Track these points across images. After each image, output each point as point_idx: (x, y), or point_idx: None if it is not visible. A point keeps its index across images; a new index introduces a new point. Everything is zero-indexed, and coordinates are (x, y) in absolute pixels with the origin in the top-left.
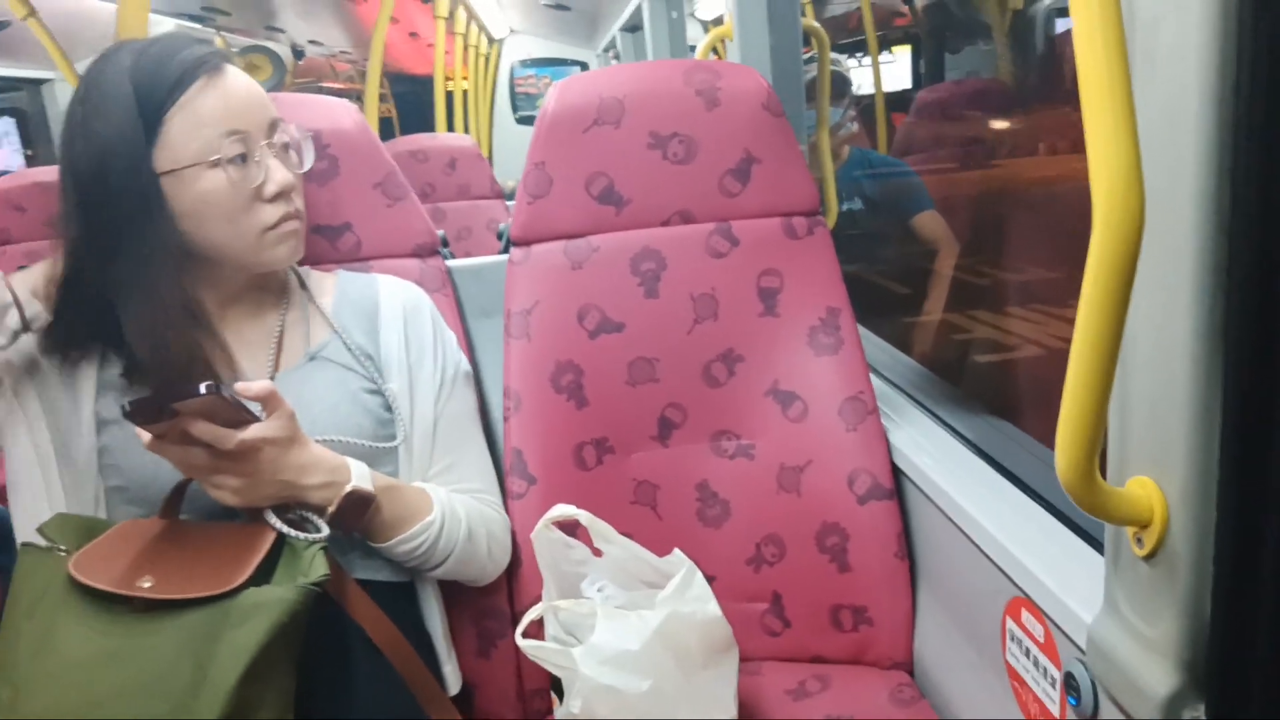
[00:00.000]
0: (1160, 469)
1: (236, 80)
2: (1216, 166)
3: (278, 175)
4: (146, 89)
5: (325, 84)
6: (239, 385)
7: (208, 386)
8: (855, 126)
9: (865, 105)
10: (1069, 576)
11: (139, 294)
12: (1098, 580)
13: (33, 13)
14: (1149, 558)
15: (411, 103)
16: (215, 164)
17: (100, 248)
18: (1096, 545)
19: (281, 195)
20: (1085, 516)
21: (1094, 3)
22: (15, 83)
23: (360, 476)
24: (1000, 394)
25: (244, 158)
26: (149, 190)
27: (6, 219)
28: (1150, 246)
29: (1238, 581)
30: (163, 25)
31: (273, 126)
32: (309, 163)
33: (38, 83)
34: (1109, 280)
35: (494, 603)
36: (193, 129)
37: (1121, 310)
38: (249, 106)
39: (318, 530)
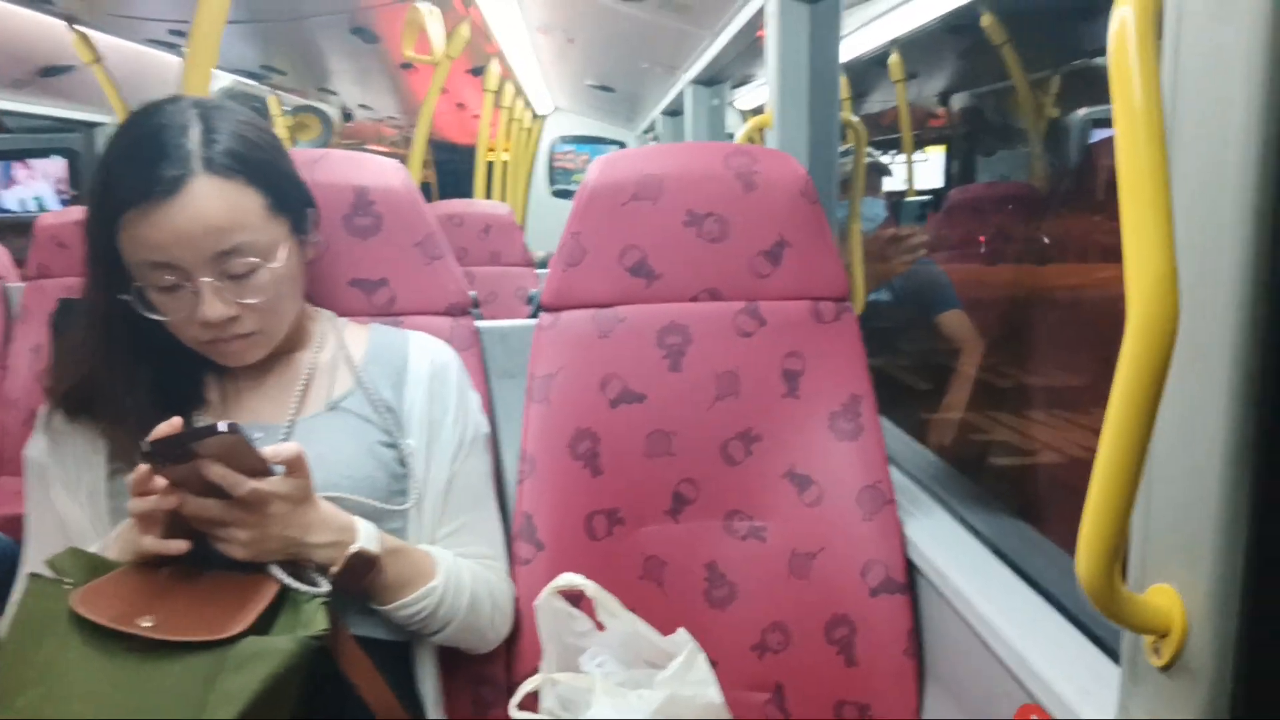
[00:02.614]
0: (1182, 578)
1: (187, 209)
2: (1253, 275)
3: (209, 311)
4: (117, 177)
5: (369, 146)
6: (269, 450)
7: (229, 426)
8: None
9: (896, 202)
10: (1083, 684)
11: (106, 334)
12: (1112, 690)
13: (98, 59)
14: (1166, 668)
15: (451, 170)
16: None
17: (88, 293)
18: (1111, 654)
19: (211, 327)
20: (1101, 624)
21: (1138, 105)
22: (71, 124)
23: (367, 538)
24: (1019, 496)
25: (177, 287)
26: (113, 255)
27: (49, 254)
28: (1182, 350)
29: (1258, 697)
30: (220, 81)
31: (222, 257)
32: (266, 293)
33: (92, 125)
34: (1140, 382)
35: (490, 670)
36: (130, 246)
37: (1151, 413)
38: (190, 239)
39: (320, 585)
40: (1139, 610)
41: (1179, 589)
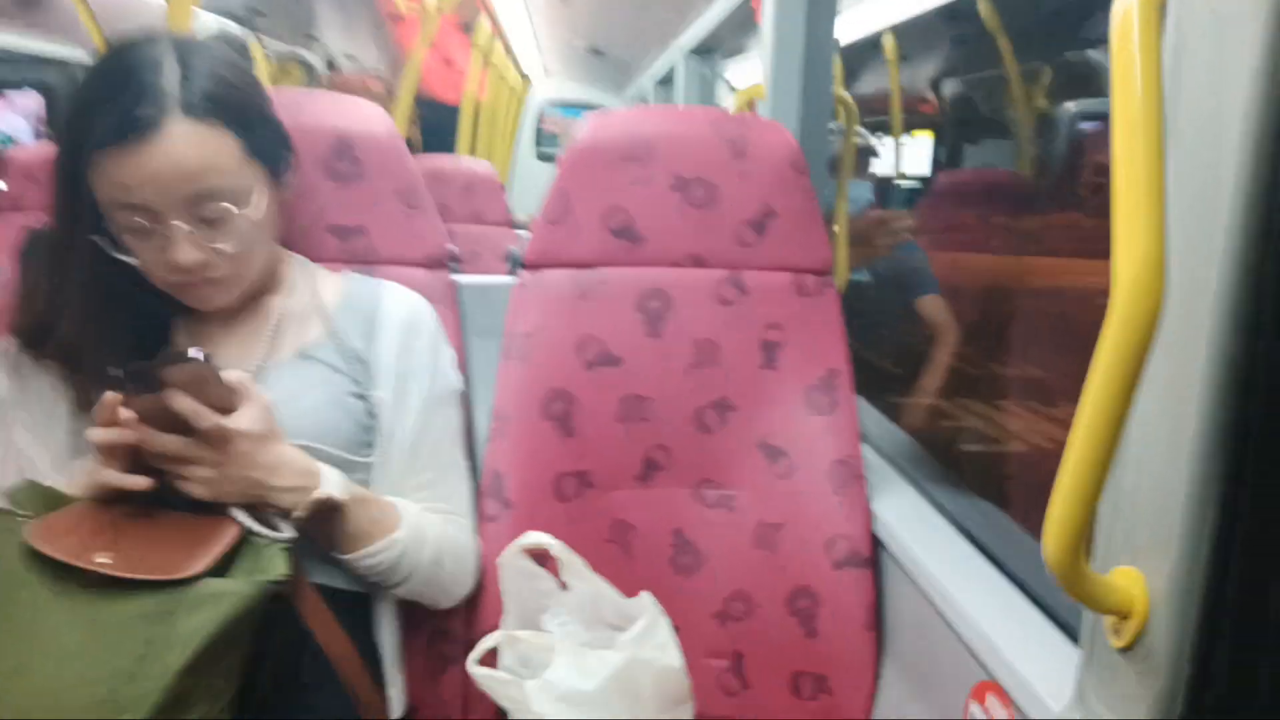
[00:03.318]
0: (1147, 561)
1: (161, 152)
2: (1241, 264)
3: (180, 255)
4: (90, 115)
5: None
6: (232, 374)
7: (203, 355)
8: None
9: (883, 185)
10: (1040, 664)
11: (74, 272)
12: (1069, 670)
13: None
14: (1125, 650)
15: (435, 127)
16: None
17: (56, 230)
18: (1071, 635)
19: (181, 270)
20: (1063, 606)
21: (1137, 92)
22: (49, 59)
23: (331, 484)
24: (986, 481)
25: (148, 229)
26: (83, 193)
27: (21, 186)
28: (1163, 335)
29: (1213, 682)
30: (205, 21)
31: (196, 201)
32: (239, 239)
33: (68, 64)
34: (1119, 368)
35: (450, 625)
36: (101, 185)
37: (1129, 395)
38: (163, 182)
39: (282, 531)
40: (1102, 590)
41: (1144, 571)
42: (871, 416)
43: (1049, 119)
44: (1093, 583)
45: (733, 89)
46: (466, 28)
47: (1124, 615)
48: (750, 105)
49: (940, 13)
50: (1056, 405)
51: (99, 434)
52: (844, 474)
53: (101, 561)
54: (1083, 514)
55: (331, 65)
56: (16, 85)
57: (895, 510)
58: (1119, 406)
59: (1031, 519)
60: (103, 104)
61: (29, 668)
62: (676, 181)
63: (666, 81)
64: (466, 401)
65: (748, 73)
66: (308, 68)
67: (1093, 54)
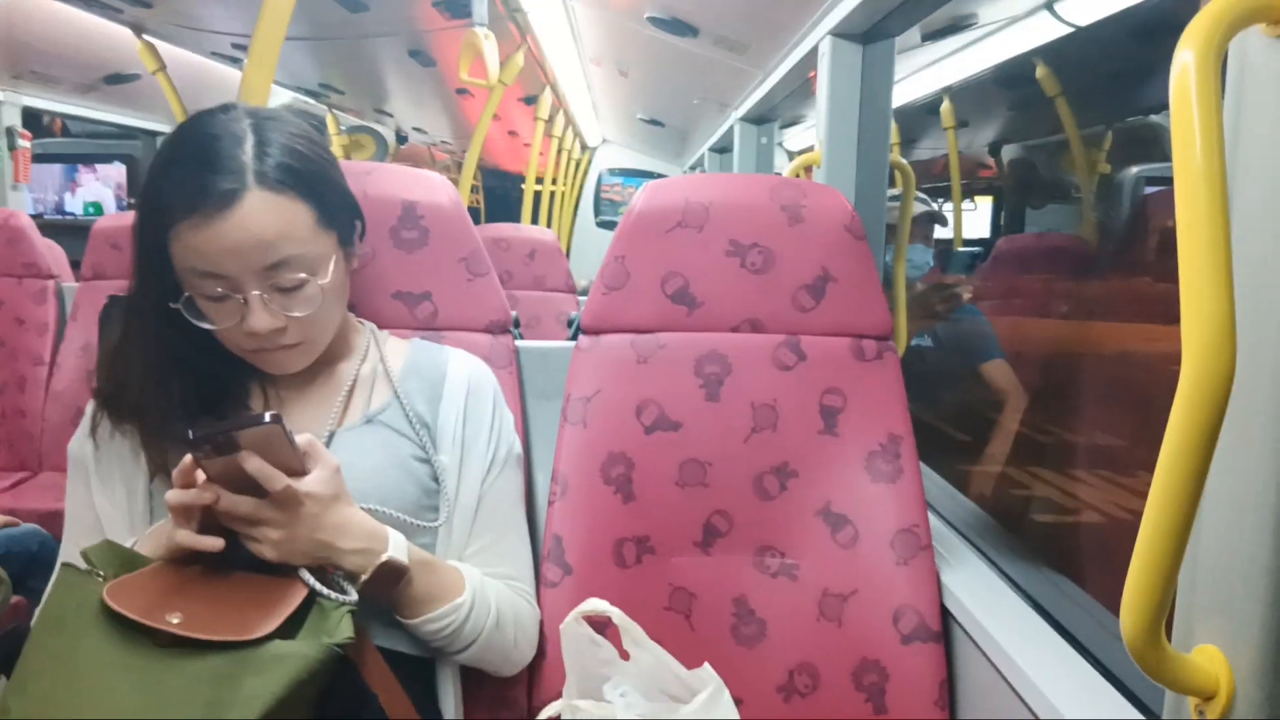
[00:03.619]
0: (1230, 639)
1: (239, 223)
2: None
3: (257, 323)
4: (169, 186)
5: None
6: (302, 439)
7: (273, 416)
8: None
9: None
10: None
11: (151, 338)
12: None
13: (162, 68)
14: None
15: (499, 197)
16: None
17: (135, 296)
18: (1149, 714)
19: (257, 337)
20: (1140, 683)
21: (1198, 149)
22: (133, 131)
23: (397, 548)
24: (1058, 551)
25: (225, 297)
26: (162, 261)
27: (103, 256)
28: (1236, 403)
29: None
30: (280, 97)
31: (272, 270)
32: (313, 306)
33: (153, 134)
34: (1193, 433)
35: (512, 693)
36: (180, 254)
37: (1203, 466)
38: (241, 252)
39: (348, 594)
40: (1184, 670)
41: (1225, 650)
42: (936, 484)
43: (1112, 182)
44: (1174, 662)
45: (790, 156)
46: (529, 100)
47: (1208, 696)
48: (807, 171)
49: (997, 78)
50: (1128, 473)
51: (176, 496)
52: (910, 543)
53: (173, 621)
54: (1161, 589)
55: (402, 137)
56: (106, 159)
57: (965, 582)
58: (1194, 475)
59: (1105, 591)
60: (182, 174)
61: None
62: (733, 247)
63: (724, 149)
64: (526, 465)
65: (806, 138)
66: (379, 139)
67: (1155, 118)
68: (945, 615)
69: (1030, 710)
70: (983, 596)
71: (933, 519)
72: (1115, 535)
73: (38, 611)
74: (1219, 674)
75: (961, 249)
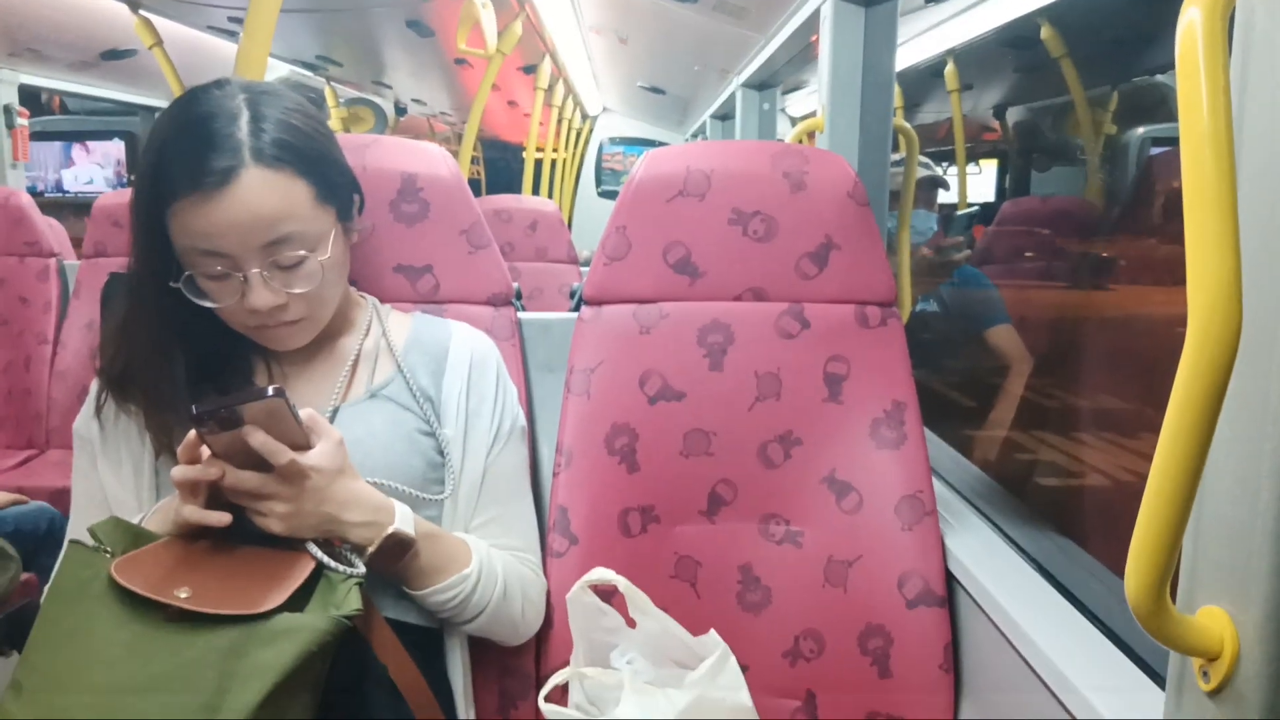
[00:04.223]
0: (1235, 600)
1: (237, 201)
2: None
3: (257, 300)
4: (166, 165)
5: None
6: (305, 413)
7: (275, 389)
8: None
9: (948, 215)
10: (1125, 706)
11: (153, 316)
12: (1154, 712)
13: (159, 42)
14: (1214, 693)
15: (500, 168)
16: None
17: (135, 274)
18: (1154, 675)
19: (258, 314)
20: (1144, 645)
21: (1204, 106)
22: (131, 107)
23: (403, 520)
24: (1062, 515)
25: (225, 275)
26: (161, 239)
27: (105, 233)
28: (1242, 363)
29: None
30: (278, 70)
31: (271, 247)
32: (314, 282)
33: (152, 110)
34: (1198, 397)
35: (520, 662)
36: (179, 233)
37: (1209, 429)
38: (240, 230)
39: (355, 566)
40: (1188, 632)
41: (1230, 611)
42: (941, 450)
43: (1117, 144)
44: (1178, 624)
45: (792, 122)
46: (529, 69)
47: (1212, 657)
48: (809, 138)
49: (1001, 39)
50: (1133, 436)
51: (181, 471)
52: (914, 509)
53: (181, 596)
54: (1165, 551)
55: (401, 109)
56: (105, 136)
57: (970, 547)
58: (1199, 436)
59: (1110, 554)
60: (177, 154)
61: (112, 703)
62: (735, 215)
63: (726, 116)
64: (530, 436)
65: (808, 103)
66: (378, 112)
67: (1161, 78)
68: (950, 580)
69: (1035, 672)
70: (987, 561)
71: (937, 484)
72: (1120, 499)
73: (47, 588)
74: (1223, 635)
75: (963, 212)
